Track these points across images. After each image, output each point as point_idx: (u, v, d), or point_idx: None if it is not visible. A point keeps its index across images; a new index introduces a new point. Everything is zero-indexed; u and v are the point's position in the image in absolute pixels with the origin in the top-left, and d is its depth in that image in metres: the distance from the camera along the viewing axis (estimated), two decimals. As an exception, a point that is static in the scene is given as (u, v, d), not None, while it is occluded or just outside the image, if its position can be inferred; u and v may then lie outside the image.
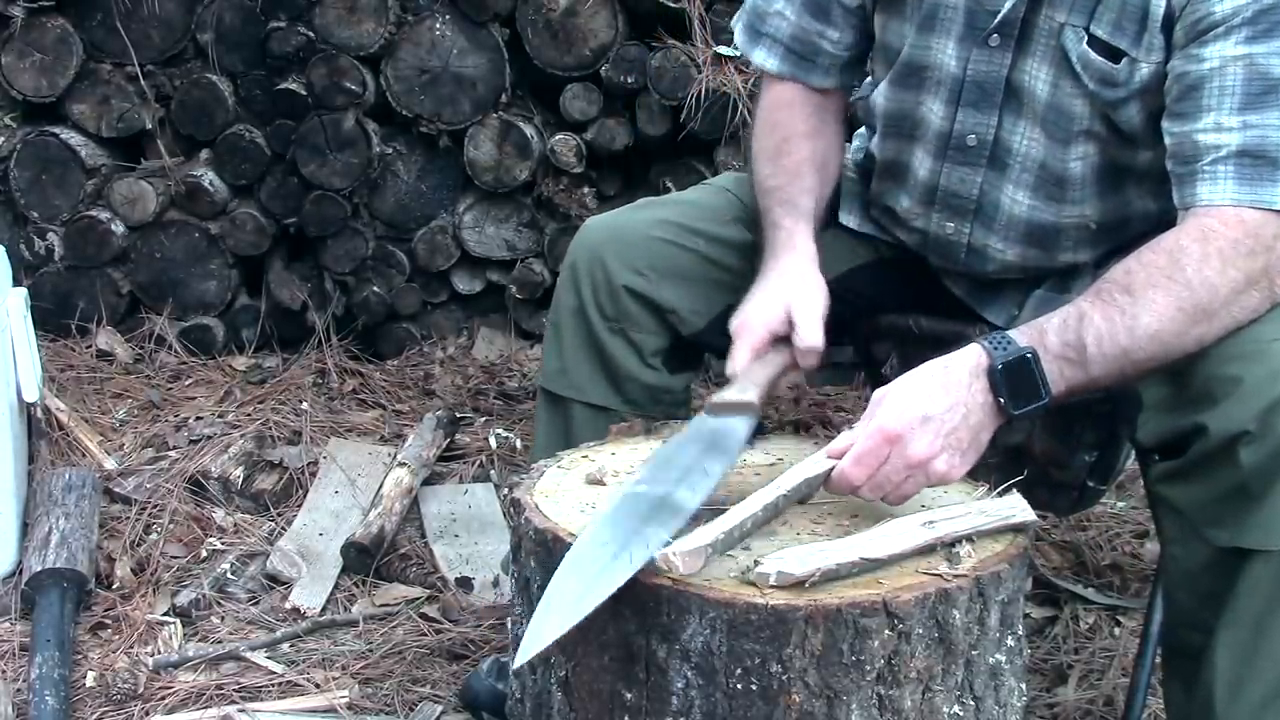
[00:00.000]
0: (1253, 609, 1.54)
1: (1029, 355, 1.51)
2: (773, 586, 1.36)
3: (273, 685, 2.25)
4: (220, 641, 2.39)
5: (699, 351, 2.03)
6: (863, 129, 2.08)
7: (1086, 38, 1.67)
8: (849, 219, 2.04)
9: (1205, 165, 1.57)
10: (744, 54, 2.01)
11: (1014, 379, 1.50)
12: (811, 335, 1.70)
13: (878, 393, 1.52)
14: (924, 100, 1.84)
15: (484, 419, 3.32)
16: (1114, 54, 1.66)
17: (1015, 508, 1.51)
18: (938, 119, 1.84)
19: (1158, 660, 1.91)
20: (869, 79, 2.00)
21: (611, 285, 1.94)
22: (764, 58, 1.96)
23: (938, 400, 1.48)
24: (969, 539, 1.46)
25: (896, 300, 2.01)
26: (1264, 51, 1.53)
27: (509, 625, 1.68)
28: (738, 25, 2.02)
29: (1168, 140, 1.62)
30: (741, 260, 1.98)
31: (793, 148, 1.93)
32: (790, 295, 1.73)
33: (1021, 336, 1.53)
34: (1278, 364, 1.51)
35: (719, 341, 1.98)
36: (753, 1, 1.98)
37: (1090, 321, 1.52)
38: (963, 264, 1.91)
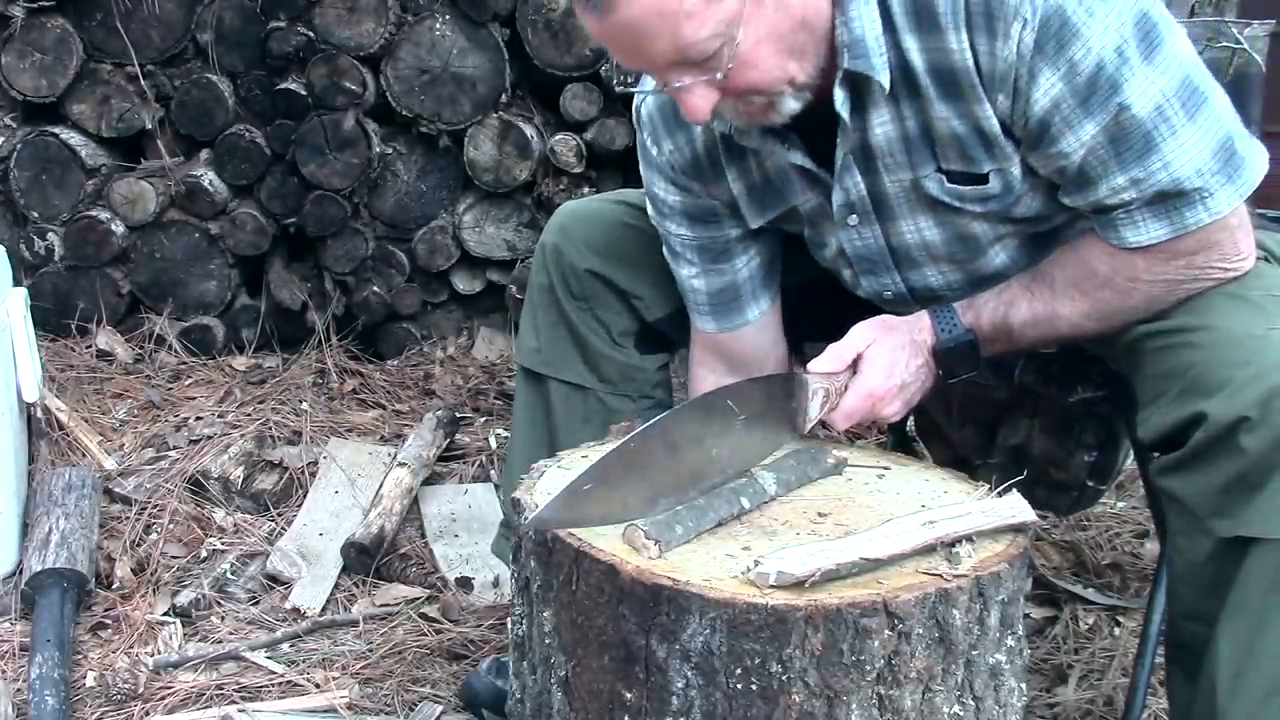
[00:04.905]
0: (1254, 598, 1.55)
1: (970, 340, 1.73)
2: (773, 586, 1.36)
3: (273, 685, 2.25)
4: (220, 641, 2.39)
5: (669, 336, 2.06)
6: None
7: (945, 177, 1.70)
8: None
9: (1120, 215, 1.63)
10: (694, 325, 2.00)
11: (955, 356, 1.73)
12: None
13: (859, 335, 1.69)
14: (838, 269, 1.89)
15: (484, 419, 3.33)
16: (979, 177, 1.69)
17: (1015, 508, 1.51)
18: (854, 281, 1.88)
19: (1158, 660, 1.91)
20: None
21: (575, 267, 2.00)
22: (701, 324, 1.97)
23: (910, 369, 1.71)
24: (969, 539, 1.46)
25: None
26: (1108, 118, 1.57)
27: (509, 625, 1.68)
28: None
29: (1075, 204, 1.67)
30: None
31: None
32: None
33: (964, 315, 1.74)
34: (1277, 352, 1.53)
35: (680, 335, 2.02)
36: (678, 281, 1.97)
37: (1018, 308, 1.72)
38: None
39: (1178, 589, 1.67)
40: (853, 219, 1.77)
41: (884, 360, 1.68)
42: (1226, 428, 1.52)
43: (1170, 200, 1.59)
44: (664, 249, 1.97)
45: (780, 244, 1.96)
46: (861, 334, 1.70)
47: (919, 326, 1.73)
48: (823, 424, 1.73)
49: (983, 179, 1.68)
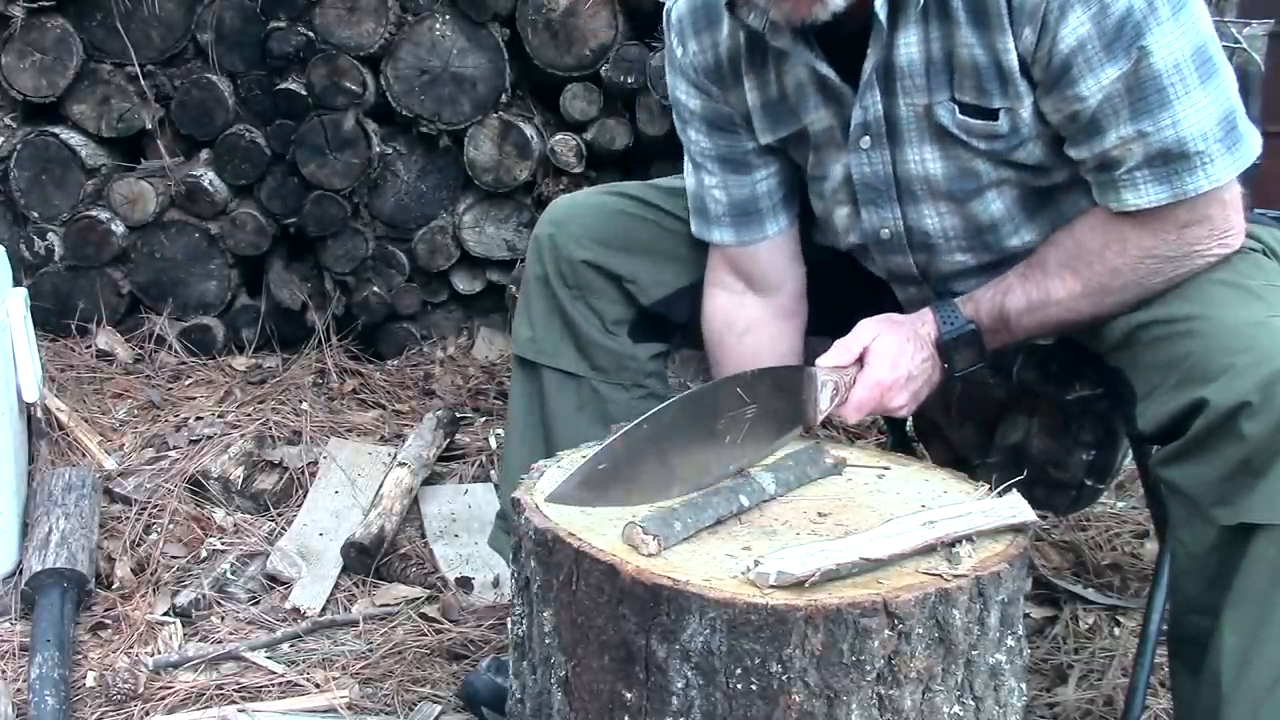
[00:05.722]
0: (1259, 586, 1.55)
1: (972, 331, 1.76)
2: (773, 586, 1.36)
3: (273, 685, 2.25)
4: (220, 641, 2.39)
5: (664, 324, 2.07)
6: None
7: (957, 107, 1.72)
8: (821, 238, 2.07)
9: (1122, 175, 1.65)
10: (704, 238, 2.01)
11: (959, 348, 1.77)
12: None
13: (864, 329, 1.71)
14: (835, 206, 1.90)
15: (484, 419, 3.33)
16: (989, 112, 1.71)
17: (1015, 508, 1.51)
18: (852, 219, 1.90)
19: (1158, 660, 1.91)
20: None
21: (570, 258, 2.01)
22: (720, 234, 1.99)
23: (916, 360, 1.72)
24: (969, 539, 1.46)
25: (869, 291, 2.02)
26: (1129, 65, 1.60)
27: (509, 625, 1.68)
28: (692, 218, 2.03)
29: (1079, 161, 1.70)
30: (701, 245, 2.03)
31: None
32: None
33: (964, 308, 1.78)
34: (1277, 338, 1.54)
35: (679, 315, 2.04)
36: (692, 194, 2.00)
37: (1014, 295, 1.76)
38: (936, 298, 1.94)
39: (1180, 582, 1.67)
40: (865, 141, 1.79)
41: (889, 352, 1.70)
42: (1227, 414, 1.52)
43: (1173, 162, 1.61)
44: (685, 162, 1.99)
45: (796, 173, 1.96)
46: (867, 328, 1.72)
47: (922, 320, 1.76)
48: (832, 422, 1.75)
49: (992, 115, 1.70)
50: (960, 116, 1.72)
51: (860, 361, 1.70)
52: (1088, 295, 1.72)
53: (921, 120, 1.75)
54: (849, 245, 1.94)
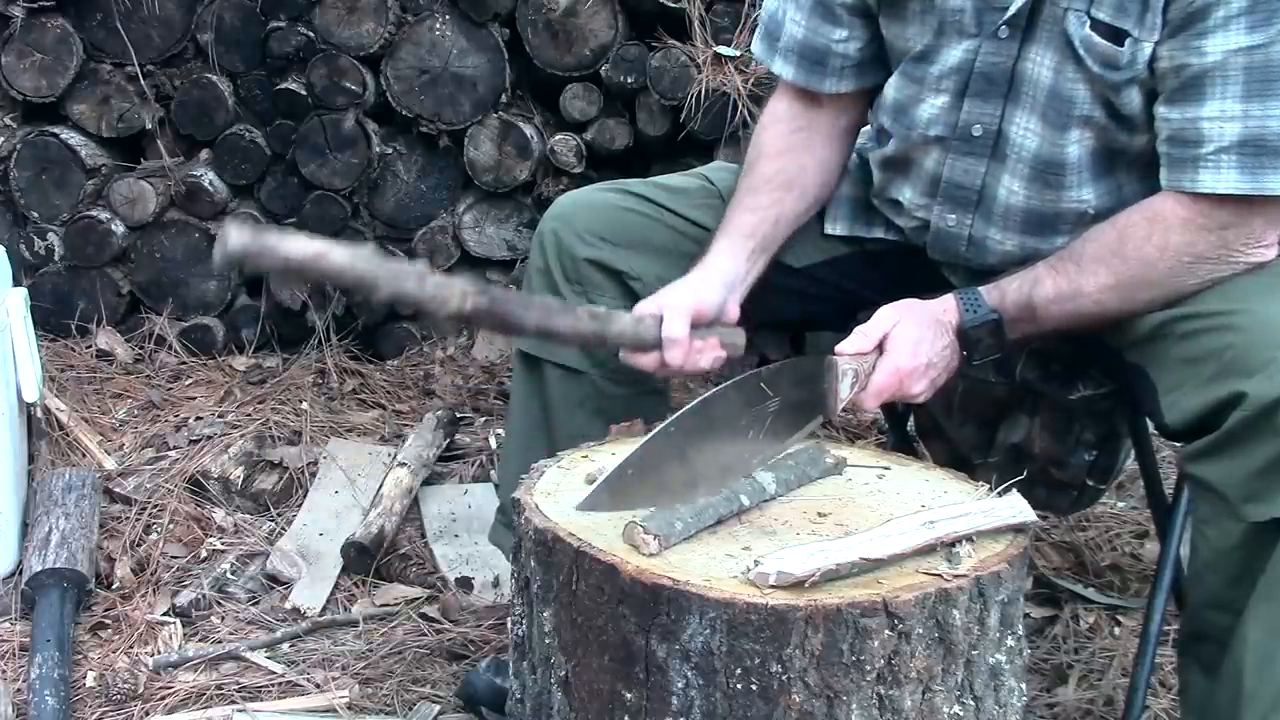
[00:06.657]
0: None
1: (995, 320, 1.74)
2: (773, 586, 1.36)
3: (273, 685, 2.25)
4: (220, 641, 2.39)
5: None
6: (865, 128, 2.09)
7: (1089, 21, 1.70)
8: (833, 226, 2.06)
9: (1208, 153, 1.63)
10: (763, 62, 2.04)
11: (980, 337, 1.75)
12: (671, 328, 1.76)
13: (885, 316, 1.71)
14: (931, 94, 1.87)
15: (484, 419, 3.32)
16: (1117, 35, 1.68)
17: (1015, 508, 1.52)
18: (945, 111, 1.86)
19: (1158, 660, 1.91)
20: None
21: (573, 254, 2.01)
22: (781, 66, 2.01)
23: (936, 347, 1.71)
24: (969, 539, 1.46)
25: (879, 292, 2.02)
26: (1264, 41, 1.58)
27: (509, 625, 1.68)
28: (756, 36, 2.05)
29: (1163, 123, 1.68)
30: (704, 242, 2.02)
31: (758, 166, 1.99)
32: (666, 298, 1.80)
33: (989, 296, 1.76)
34: None
35: None
36: (769, 13, 2.02)
37: (1042, 286, 1.75)
38: (963, 257, 1.94)
39: (1202, 577, 1.66)
40: (1004, 30, 1.77)
41: (909, 339, 1.69)
42: (1267, 408, 1.52)
43: (1265, 155, 1.60)
44: None
45: (879, 51, 1.95)
46: (887, 315, 1.72)
47: (944, 308, 1.75)
48: (833, 422, 1.75)
49: (1119, 39, 1.68)
50: (1087, 31, 1.70)
51: (880, 348, 1.70)
52: (1119, 289, 1.71)
53: (1055, 23, 1.73)
54: (916, 139, 1.91)
